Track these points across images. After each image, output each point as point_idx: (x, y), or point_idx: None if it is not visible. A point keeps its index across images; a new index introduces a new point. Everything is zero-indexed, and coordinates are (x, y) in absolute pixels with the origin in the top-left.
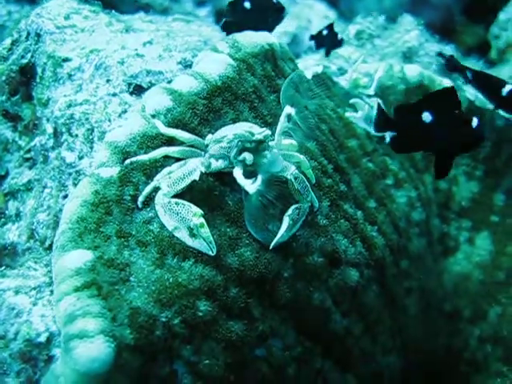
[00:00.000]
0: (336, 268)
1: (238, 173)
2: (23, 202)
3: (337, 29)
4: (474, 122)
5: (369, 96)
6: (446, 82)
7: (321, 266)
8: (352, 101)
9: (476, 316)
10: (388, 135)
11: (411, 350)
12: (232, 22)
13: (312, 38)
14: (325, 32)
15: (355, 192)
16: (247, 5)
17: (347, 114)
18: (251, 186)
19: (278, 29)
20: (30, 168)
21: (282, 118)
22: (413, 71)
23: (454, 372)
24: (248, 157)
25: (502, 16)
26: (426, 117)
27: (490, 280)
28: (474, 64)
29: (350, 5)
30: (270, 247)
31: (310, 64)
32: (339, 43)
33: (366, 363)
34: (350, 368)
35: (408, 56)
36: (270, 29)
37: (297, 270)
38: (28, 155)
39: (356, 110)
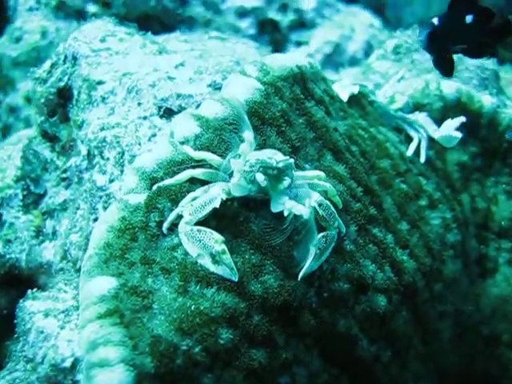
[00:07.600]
0: (363, 294)
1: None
2: (59, 221)
3: (381, 38)
4: None
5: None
6: (485, 98)
7: (347, 293)
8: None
9: None
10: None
11: (446, 375)
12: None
13: None
14: None
15: (386, 214)
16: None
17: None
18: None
19: (319, 39)
20: (66, 188)
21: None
22: (450, 88)
23: None
24: (259, 177)
25: None
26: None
27: None
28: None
29: (397, 12)
30: (299, 278)
31: (346, 83)
32: None
33: None
34: None
35: None
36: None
37: (322, 297)
38: (64, 175)
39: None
